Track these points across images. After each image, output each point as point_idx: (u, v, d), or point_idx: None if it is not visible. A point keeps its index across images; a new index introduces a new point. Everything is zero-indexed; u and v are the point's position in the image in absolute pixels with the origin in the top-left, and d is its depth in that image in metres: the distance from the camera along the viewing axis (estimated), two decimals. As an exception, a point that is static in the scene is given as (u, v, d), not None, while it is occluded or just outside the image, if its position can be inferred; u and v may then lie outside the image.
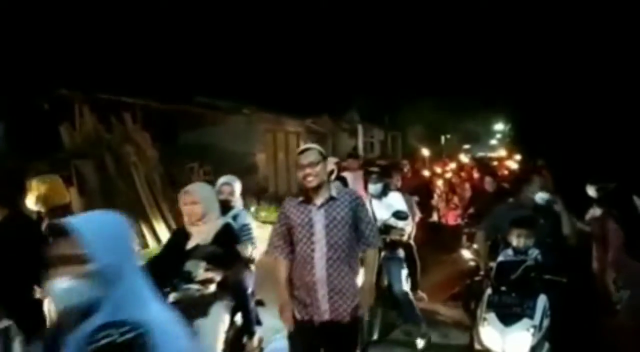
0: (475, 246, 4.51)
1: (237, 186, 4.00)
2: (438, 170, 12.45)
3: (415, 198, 6.74)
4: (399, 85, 23.33)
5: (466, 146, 36.97)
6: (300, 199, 2.86)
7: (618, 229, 4.22)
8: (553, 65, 15.08)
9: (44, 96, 9.72)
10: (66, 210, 3.30)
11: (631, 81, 12.68)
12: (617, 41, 13.07)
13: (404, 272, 4.56)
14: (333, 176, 4.87)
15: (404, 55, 21.47)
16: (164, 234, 8.21)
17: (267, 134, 15.17)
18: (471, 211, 6.82)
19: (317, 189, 2.79)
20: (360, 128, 22.94)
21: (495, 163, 14.46)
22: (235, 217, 3.64)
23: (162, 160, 9.74)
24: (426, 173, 11.45)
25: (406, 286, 4.52)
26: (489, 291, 3.50)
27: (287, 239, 2.90)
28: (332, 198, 2.83)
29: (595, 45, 13.06)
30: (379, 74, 21.82)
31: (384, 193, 4.80)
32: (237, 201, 3.97)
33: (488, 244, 4.07)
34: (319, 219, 2.79)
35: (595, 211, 4.78)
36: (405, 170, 10.04)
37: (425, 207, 7.80)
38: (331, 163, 3.94)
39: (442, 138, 34.41)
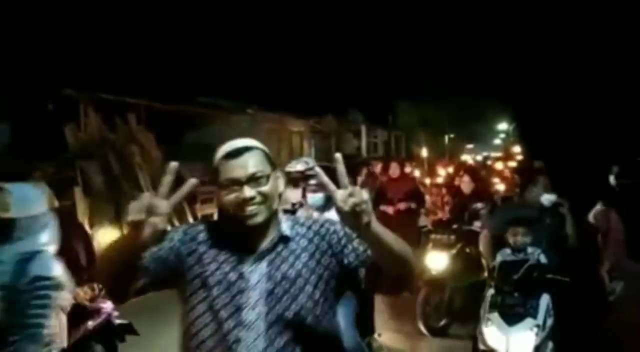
0: (481, 247, 4.48)
1: None
2: (441, 171, 12.28)
3: (405, 204, 6.57)
4: (402, 85, 23.32)
5: (469, 146, 36.92)
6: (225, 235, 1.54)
7: (619, 222, 4.22)
8: (557, 64, 15.04)
9: (49, 97, 9.76)
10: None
11: (638, 80, 12.66)
12: (626, 40, 13.03)
13: (353, 315, 3.40)
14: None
15: (408, 55, 21.46)
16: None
17: (270, 134, 15.19)
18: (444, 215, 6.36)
19: (262, 226, 1.50)
20: (363, 128, 22.95)
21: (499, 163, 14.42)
22: None
23: (167, 161, 9.76)
24: (420, 175, 11.11)
25: (356, 333, 3.40)
26: (491, 291, 3.51)
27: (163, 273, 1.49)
28: (282, 238, 1.54)
29: (603, 44, 13.01)
30: (383, 74, 21.82)
31: (326, 206, 3.37)
32: None
33: (491, 244, 4.08)
34: (256, 279, 1.48)
35: (600, 205, 4.79)
36: (377, 168, 9.85)
37: (416, 214, 7.10)
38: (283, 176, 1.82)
39: (446, 138, 34.37)
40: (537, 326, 3.26)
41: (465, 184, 6.15)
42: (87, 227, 8.03)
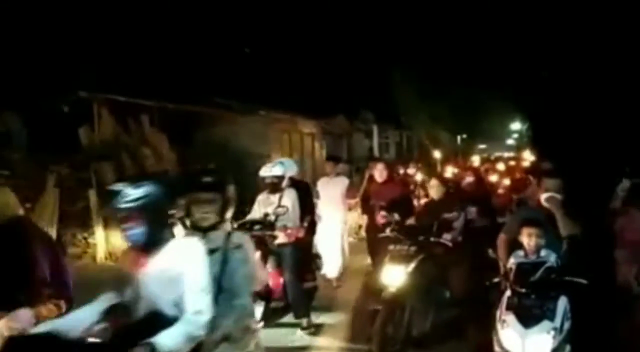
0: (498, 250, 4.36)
1: None
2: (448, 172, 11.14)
3: (385, 217, 5.46)
4: (414, 85, 23.21)
5: (482, 146, 36.66)
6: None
7: (635, 221, 4.13)
8: (572, 64, 14.86)
9: (64, 99, 9.87)
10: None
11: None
12: None
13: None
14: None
15: (420, 54, 21.35)
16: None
17: (282, 135, 15.21)
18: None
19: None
20: (375, 129, 22.87)
21: (512, 163, 14.20)
22: None
23: (180, 162, 9.83)
24: (416, 177, 10.01)
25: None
26: (507, 292, 3.45)
27: None
28: None
29: (621, 43, 12.81)
30: (395, 74, 21.73)
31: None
32: None
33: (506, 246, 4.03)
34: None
35: (616, 203, 4.72)
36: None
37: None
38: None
39: (458, 138, 34.16)
40: (555, 328, 3.20)
41: (434, 188, 5.33)
42: (101, 228, 8.10)
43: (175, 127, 10.77)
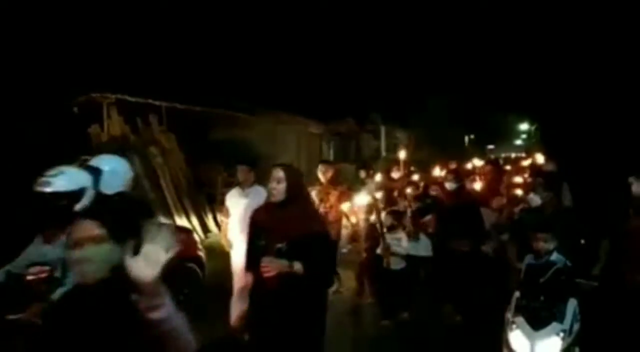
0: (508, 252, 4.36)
1: None
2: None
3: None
4: (422, 86, 23.15)
5: (490, 146, 36.46)
6: None
7: None
8: (580, 64, 14.74)
9: (74, 99, 9.96)
10: None
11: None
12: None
13: None
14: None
15: (427, 55, 21.29)
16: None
17: (290, 137, 15.25)
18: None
19: None
20: (383, 130, 22.85)
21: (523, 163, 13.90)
22: None
23: (189, 162, 9.88)
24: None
25: None
26: (517, 294, 3.44)
27: None
28: None
29: (624, 45, 12.70)
30: (402, 75, 21.69)
31: None
32: None
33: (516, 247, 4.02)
34: None
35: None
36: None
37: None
38: None
39: (466, 138, 34.02)
40: (564, 330, 3.19)
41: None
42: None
43: (184, 127, 10.82)
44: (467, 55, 21.40)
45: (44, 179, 2.81)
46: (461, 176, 5.50)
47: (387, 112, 22.06)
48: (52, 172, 2.84)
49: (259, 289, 2.79)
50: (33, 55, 9.59)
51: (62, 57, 9.90)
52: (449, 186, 5.16)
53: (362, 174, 7.70)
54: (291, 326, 2.72)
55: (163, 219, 8.38)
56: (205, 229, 9.65)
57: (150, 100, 10.36)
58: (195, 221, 9.44)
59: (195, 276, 5.85)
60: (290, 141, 15.38)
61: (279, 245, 2.72)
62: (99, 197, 2.95)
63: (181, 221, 9.00)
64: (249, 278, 2.92)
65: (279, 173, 2.82)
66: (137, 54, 11.40)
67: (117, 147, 9.13)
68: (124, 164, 3.34)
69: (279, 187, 2.80)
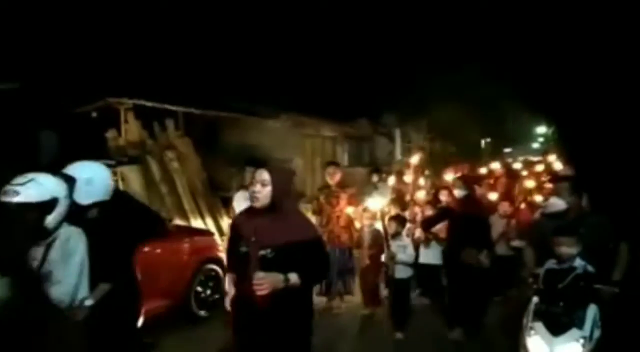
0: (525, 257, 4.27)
1: None
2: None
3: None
4: (437, 87, 23.02)
5: (507, 150, 36.06)
6: None
7: None
8: (598, 66, 14.51)
9: (92, 104, 10.11)
10: None
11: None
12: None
13: None
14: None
15: (443, 56, 21.17)
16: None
17: (304, 140, 15.28)
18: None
19: None
20: (397, 132, 22.74)
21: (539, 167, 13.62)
22: None
23: (205, 166, 9.96)
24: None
25: None
26: (535, 299, 3.39)
27: None
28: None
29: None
30: (417, 76, 21.60)
31: None
32: None
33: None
34: None
35: None
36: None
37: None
38: None
39: (482, 142, 33.69)
40: (584, 337, 3.13)
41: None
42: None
43: (200, 131, 10.92)
44: (482, 56, 21.23)
45: (11, 187, 2.48)
46: (469, 182, 5.27)
47: (402, 113, 21.93)
48: (21, 180, 2.51)
49: (245, 307, 2.41)
50: (51, 61, 9.77)
51: (79, 63, 10.07)
52: (457, 193, 4.96)
53: (375, 177, 7.53)
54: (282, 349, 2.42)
55: (179, 222, 8.47)
56: (221, 231, 9.71)
57: (166, 106, 10.48)
58: (210, 223, 9.50)
59: (217, 278, 5.90)
60: (305, 145, 15.41)
61: (263, 251, 2.40)
62: (75, 208, 2.70)
63: (197, 224, 9.07)
64: (232, 291, 2.61)
65: (264, 175, 2.53)
66: (154, 60, 11.54)
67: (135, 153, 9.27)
68: (103, 171, 3.02)
69: (263, 190, 2.50)
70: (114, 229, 2.83)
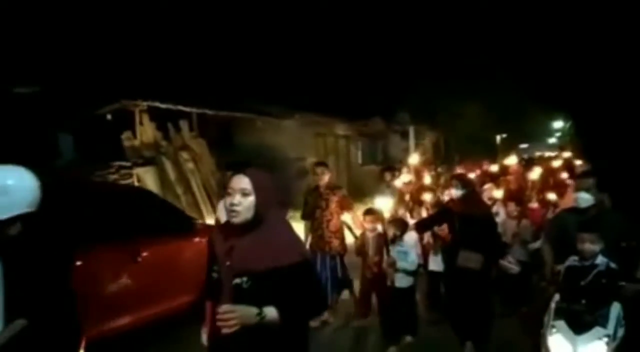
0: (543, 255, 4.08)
1: None
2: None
3: None
4: (451, 84, 22.81)
5: (523, 146, 35.58)
6: None
7: None
8: (617, 59, 14.23)
9: (107, 107, 10.23)
10: None
11: None
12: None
13: None
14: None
15: (457, 53, 20.97)
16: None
17: (317, 139, 15.27)
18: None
19: None
20: (411, 130, 22.59)
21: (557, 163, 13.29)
22: None
23: (219, 166, 10.01)
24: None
25: None
26: (556, 297, 3.31)
27: None
28: None
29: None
30: (431, 73, 21.43)
31: None
32: None
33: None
34: None
35: None
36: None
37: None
38: None
39: (498, 137, 33.31)
40: (607, 335, 3.05)
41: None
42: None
43: (214, 132, 10.97)
44: (499, 52, 20.99)
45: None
46: (468, 181, 4.77)
47: (416, 111, 21.77)
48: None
49: (221, 343, 1.94)
50: (67, 65, 9.90)
51: (95, 67, 10.19)
52: (453, 192, 4.46)
53: (388, 176, 7.11)
54: None
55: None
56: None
57: (180, 107, 10.55)
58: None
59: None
60: (319, 144, 15.40)
61: (238, 280, 1.92)
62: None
63: (212, 222, 9.13)
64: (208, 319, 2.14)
65: (243, 183, 1.96)
66: (167, 62, 11.63)
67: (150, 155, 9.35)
68: (23, 176, 2.30)
69: (244, 201, 1.94)
70: (41, 248, 2.26)
